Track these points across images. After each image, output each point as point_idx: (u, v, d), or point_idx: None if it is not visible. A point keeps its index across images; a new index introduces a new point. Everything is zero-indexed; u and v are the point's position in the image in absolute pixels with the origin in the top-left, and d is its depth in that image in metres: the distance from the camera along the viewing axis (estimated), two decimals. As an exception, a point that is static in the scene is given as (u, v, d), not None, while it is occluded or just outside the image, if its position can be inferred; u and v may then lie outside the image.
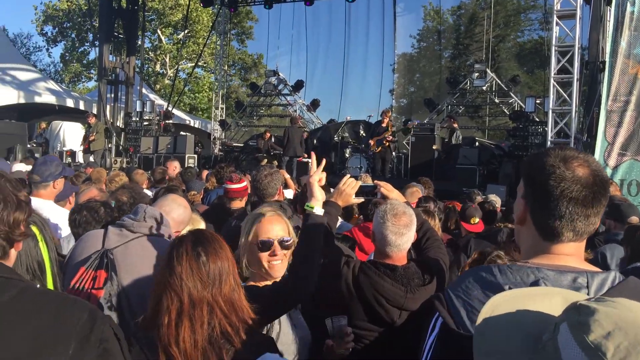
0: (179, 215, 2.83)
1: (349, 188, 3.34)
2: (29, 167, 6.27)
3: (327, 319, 2.57)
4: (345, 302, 2.88)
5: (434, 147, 15.47)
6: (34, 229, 1.99)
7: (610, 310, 0.92)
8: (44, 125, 22.17)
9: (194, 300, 1.89)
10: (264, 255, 2.48)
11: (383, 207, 3.00)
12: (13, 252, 1.55)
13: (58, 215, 3.87)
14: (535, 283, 1.39)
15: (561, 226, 1.43)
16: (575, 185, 1.40)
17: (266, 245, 2.47)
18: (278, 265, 2.50)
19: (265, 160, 17.45)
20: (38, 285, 1.85)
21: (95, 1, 24.79)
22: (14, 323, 1.39)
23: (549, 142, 11.47)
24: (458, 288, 1.49)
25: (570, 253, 1.47)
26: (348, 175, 3.49)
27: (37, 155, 15.74)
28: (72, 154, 18.67)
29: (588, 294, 1.36)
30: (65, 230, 3.71)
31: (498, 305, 1.16)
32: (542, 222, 1.46)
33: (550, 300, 1.06)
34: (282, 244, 2.51)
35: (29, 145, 17.29)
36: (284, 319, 2.46)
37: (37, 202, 3.71)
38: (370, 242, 3.90)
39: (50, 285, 1.97)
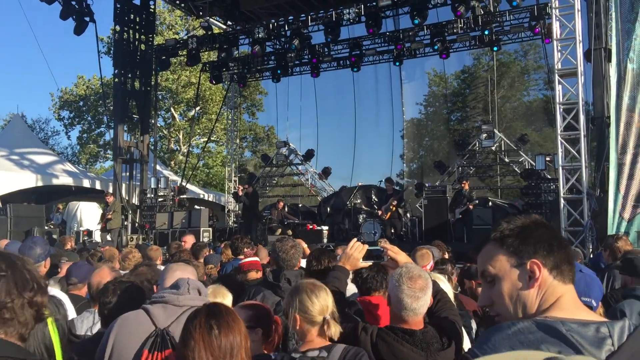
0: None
1: (357, 252, 3.37)
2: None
3: None
4: None
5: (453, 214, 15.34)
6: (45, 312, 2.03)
7: None
8: (61, 206, 22.50)
9: None
10: None
11: (398, 270, 2.98)
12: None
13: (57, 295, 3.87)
14: (565, 337, 1.39)
15: (570, 264, 1.59)
16: (553, 228, 1.64)
17: None
18: None
19: (280, 230, 17.48)
20: None
21: (110, 84, 25.66)
22: None
23: (561, 199, 11.45)
24: (484, 347, 1.46)
25: (574, 298, 1.57)
26: (355, 239, 3.52)
27: (54, 236, 15.88)
28: (89, 233, 18.83)
29: (612, 343, 1.38)
30: (70, 311, 3.70)
31: None
32: (557, 267, 1.57)
33: None
34: None
35: (46, 227, 17.49)
36: None
37: None
38: (370, 317, 3.84)
39: None
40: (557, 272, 1.57)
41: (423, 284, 2.91)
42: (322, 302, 2.71)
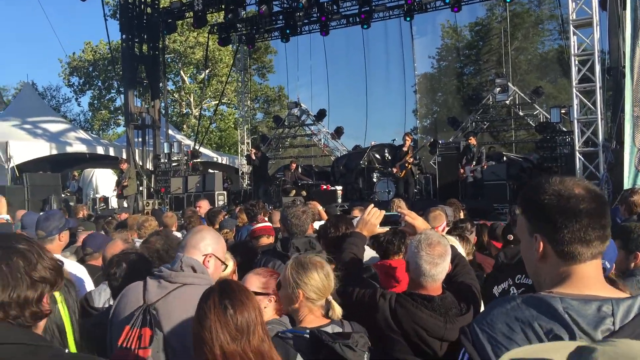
0: (206, 247, 2.80)
1: (374, 218, 3.35)
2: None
3: None
4: (384, 334, 2.86)
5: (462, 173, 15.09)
6: (55, 293, 2.00)
7: (608, 348, 0.92)
8: (76, 174, 22.69)
9: (226, 353, 1.92)
10: None
11: (417, 236, 2.97)
12: (41, 322, 1.59)
13: (72, 268, 3.90)
14: (559, 315, 1.38)
15: (580, 244, 1.46)
16: (583, 202, 1.46)
17: None
18: None
19: (294, 191, 17.51)
20: (67, 351, 1.87)
21: (117, 49, 25.50)
22: None
23: (577, 153, 11.32)
24: (483, 321, 1.50)
25: (593, 274, 1.49)
26: (372, 205, 3.50)
27: (71, 204, 16.05)
28: (105, 200, 19.02)
29: (613, 323, 1.35)
30: (88, 283, 3.72)
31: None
32: (561, 245, 1.47)
33: (560, 354, 1.06)
34: None
35: (63, 195, 17.67)
36: None
37: None
38: (390, 280, 3.86)
39: (72, 346, 1.99)
40: (563, 251, 1.49)
41: (442, 250, 2.89)
42: (329, 282, 2.66)
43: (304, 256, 2.77)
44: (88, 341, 2.65)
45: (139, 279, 2.81)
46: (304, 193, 17.12)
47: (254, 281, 2.98)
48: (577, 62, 11.40)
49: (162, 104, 21.93)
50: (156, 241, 4.61)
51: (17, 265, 1.50)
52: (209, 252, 2.80)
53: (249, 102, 26.57)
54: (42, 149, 19.79)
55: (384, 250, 4.02)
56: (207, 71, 36.53)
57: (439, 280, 2.93)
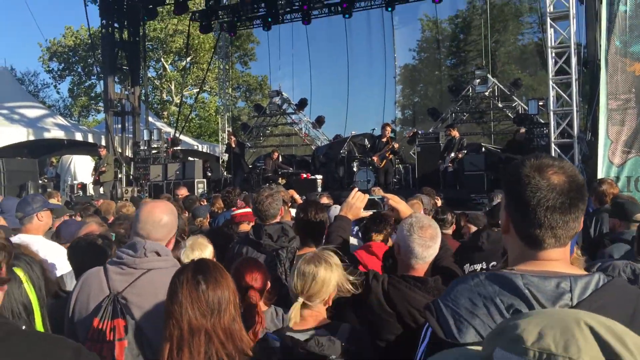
0: (161, 233, 2.67)
1: (358, 201, 3.41)
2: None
3: None
4: (376, 315, 2.90)
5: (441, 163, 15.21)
6: (18, 271, 1.99)
7: (529, 319, 0.96)
8: (54, 160, 22.45)
9: (193, 328, 1.92)
10: None
11: (408, 220, 3.01)
12: None
13: (50, 250, 3.90)
14: (520, 290, 1.41)
15: (542, 234, 1.46)
16: (551, 193, 1.43)
17: None
18: None
19: (279, 179, 17.46)
20: (23, 327, 1.86)
21: (98, 35, 25.20)
22: None
23: (552, 144, 11.48)
24: (447, 297, 1.52)
25: (556, 258, 1.49)
26: (356, 189, 3.55)
27: (49, 190, 15.90)
28: (83, 186, 18.83)
29: (571, 299, 1.39)
30: (61, 267, 3.71)
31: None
32: (523, 231, 1.49)
33: None
34: None
35: (40, 181, 17.49)
36: None
37: (26, 238, 3.79)
38: (373, 260, 3.94)
39: (39, 325, 1.97)
40: (528, 238, 1.50)
41: (433, 232, 2.95)
42: (306, 283, 2.55)
43: (318, 251, 2.70)
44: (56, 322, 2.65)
45: (95, 263, 2.74)
46: (281, 181, 17.13)
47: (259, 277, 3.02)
48: (554, 55, 11.54)
49: (143, 91, 21.77)
50: (120, 227, 4.68)
51: None
52: (171, 234, 2.73)
53: (230, 90, 26.48)
54: (20, 134, 19.56)
55: (364, 231, 4.19)
56: (188, 59, 36.24)
57: (428, 262, 2.98)
